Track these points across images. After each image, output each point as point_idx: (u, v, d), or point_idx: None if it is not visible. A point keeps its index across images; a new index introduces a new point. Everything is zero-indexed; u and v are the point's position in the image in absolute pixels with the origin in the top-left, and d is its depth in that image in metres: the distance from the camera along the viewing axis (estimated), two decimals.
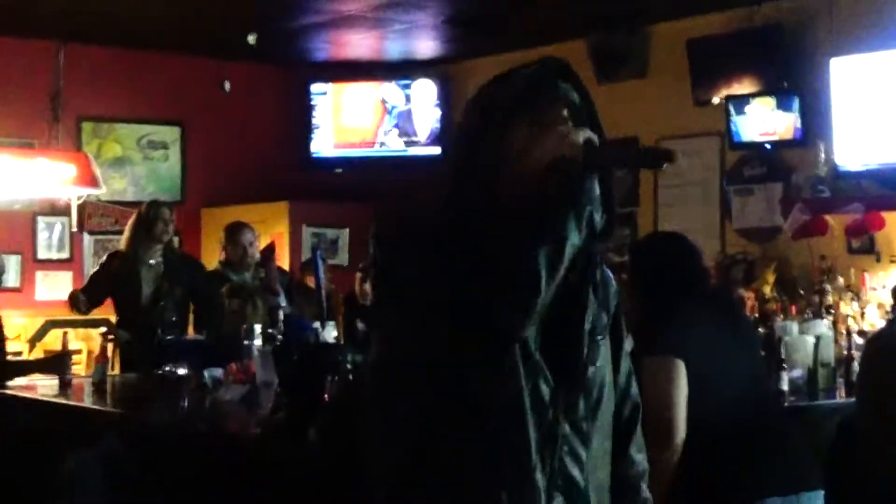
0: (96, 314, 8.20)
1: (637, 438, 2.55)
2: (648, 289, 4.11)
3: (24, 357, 9.39)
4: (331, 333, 6.18)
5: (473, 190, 2.31)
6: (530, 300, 2.18)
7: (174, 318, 7.64)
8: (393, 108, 11.19)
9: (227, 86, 9.98)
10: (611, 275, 2.49)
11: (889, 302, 6.98)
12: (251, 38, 8.97)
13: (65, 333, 7.41)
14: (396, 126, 11.17)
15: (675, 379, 3.77)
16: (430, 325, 2.26)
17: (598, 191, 2.26)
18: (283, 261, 9.69)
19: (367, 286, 8.13)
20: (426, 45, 10.68)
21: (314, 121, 11.24)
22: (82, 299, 7.78)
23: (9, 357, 7.77)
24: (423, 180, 2.54)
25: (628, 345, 2.58)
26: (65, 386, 6.64)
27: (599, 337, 2.38)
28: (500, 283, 2.17)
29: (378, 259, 2.38)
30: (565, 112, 2.36)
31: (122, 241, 8.03)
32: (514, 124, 2.32)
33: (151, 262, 7.78)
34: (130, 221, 7.99)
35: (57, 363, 6.92)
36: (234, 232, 7.87)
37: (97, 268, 8.28)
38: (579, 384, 2.33)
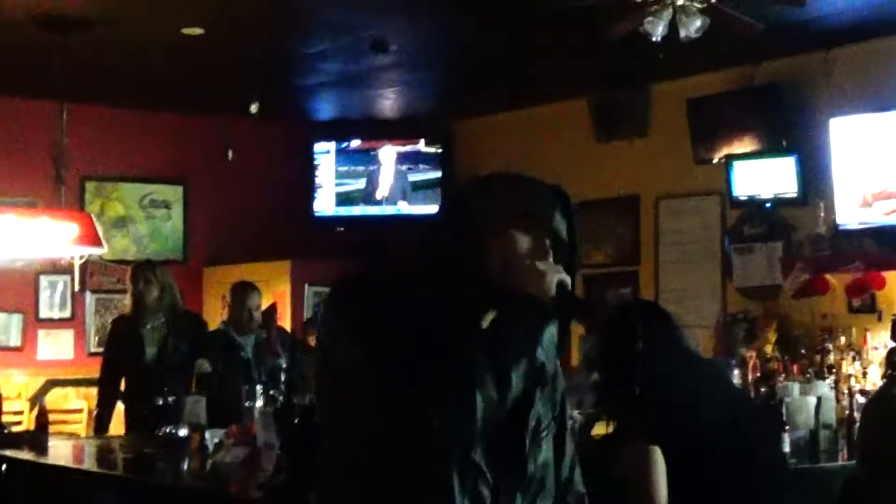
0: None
1: None
2: (624, 367, 4.07)
3: (25, 416, 9.40)
4: None
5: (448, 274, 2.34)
6: (465, 440, 2.22)
7: (181, 377, 7.59)
8: (395, 167, 11.23)
9: (231, 154, 10.02)
10: (559, 367, 2.50)
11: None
12: (253, 108, 8.98)
13: (41, 404, 7.34)
14: (397, 185, 11.20)
15: (652, 466, 3.76)
16: (358, 421, 2.28)
17: (555, 338, 2.29)
18: (285, 320, 9.68)
19: None
20: (427, 105, 10.74)
21: (316, 180, 11.28)
22: (104, 413, 7.73)
23: (4, 416, 7.76)
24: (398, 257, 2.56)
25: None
26: (41, 452, 6.58)
27: (544, 433, 2.41)
28: (438, 410, 2.18)
29: (319, 336, 2.40)
30: (548, 242, 2.38)
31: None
32: (505, 232, 2.35)
33: (154, 323, 7.66)
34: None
35: (33, 438, 6.88)
36: (241, 293, 7.81)
37: (106, 341, 8.19)
38: (519, 484, 2.35)
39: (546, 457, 2.41)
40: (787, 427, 5.69)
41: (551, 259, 2.36)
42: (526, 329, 2.25)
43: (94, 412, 7.93)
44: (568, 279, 2.33)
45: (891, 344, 6.19)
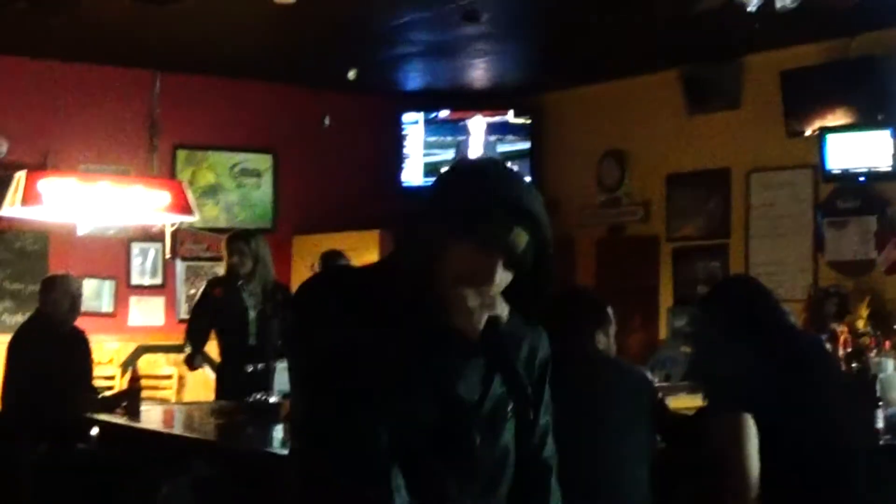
0: None
1: (553, 494, 2.50)
2: (717, 339, 4.04)
3: (117, 381, 9.54)
4: None
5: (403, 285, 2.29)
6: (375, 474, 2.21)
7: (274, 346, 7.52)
8: (485, 137, 11.21)
9: (328, 121, 10.08)
10: (541, 343, 2.45)
11: None
12: (351, 74, 9.01)
13: (133, 368, 7.37)
14: (485, 155, 11.18)
15: (745, 436, 3.74)
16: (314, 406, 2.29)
17: (482, 369, 2.27)
18: None
19: None
20: (517, 75, 10.70)
21: (405, 150, 11.31)
22: (195, 356, 7.61)
23: (96, 381, 7.85)
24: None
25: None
26: (134, 416, 6.62)
27: (505, 422, 2.35)
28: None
29: (290, 323, 2.47)
30: (500, 261, 2.24)
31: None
32: (452, 246, 2.26)
33: (253, 290, 7.53)
34: None
35: (126, 398, 6.94)
36: (330, 261, 7.82)
37: (197, 300, 8.00)
38: (471, 470, 2.32)
39: (507, 439, 2.36)
40: (880, 403, 5.61)
41: (499, 279, 2.24)
42: (447, 365, 2.25)
43: (186, 353, 7.79)
44: (502, 314, 2.25)
45: None
